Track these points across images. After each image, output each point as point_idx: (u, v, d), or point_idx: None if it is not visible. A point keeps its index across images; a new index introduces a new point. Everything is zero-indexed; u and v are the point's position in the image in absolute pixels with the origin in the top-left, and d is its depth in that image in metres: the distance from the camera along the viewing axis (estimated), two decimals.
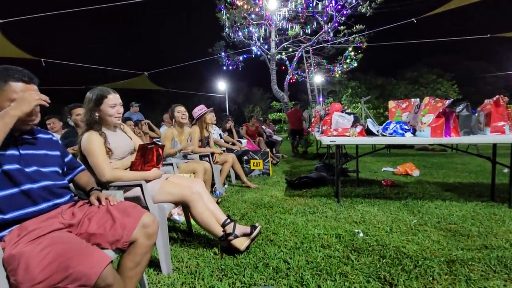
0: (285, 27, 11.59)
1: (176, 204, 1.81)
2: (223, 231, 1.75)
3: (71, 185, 1.37)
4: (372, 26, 10.68)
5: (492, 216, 2.19)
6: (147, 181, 1.69)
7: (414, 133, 2.64)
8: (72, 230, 1.11)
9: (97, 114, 1.63)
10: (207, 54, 13.43)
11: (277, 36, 12.09)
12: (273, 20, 11.20)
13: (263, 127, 7.72)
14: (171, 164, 2.26)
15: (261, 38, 12.10)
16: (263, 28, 11.79)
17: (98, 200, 1.24)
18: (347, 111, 3.58)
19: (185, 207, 1.85)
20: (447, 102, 2.45)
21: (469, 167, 4.33)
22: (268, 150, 4.85)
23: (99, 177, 1.54)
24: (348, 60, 12.73)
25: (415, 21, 8.03)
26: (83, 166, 1.44)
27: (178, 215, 2.44)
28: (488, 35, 8.11)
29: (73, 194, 1.28)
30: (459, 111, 2.52)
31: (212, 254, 1.76)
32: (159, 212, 1.58)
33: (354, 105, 19.08)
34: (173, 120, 2.98)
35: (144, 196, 1.59)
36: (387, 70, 25.23)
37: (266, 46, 12.38)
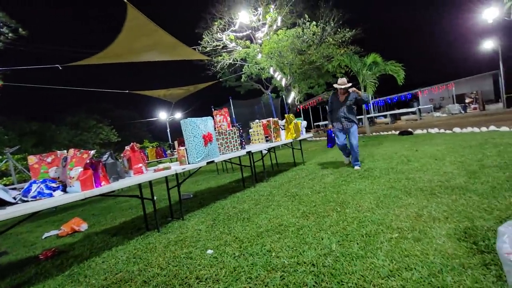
0: None
1: None
2: None
3: None
4: (8, 62, 8.72)
5: (148, 246, 2.55)
6: None
7: (65, 189, 2.38)
8: None
9: None
10: None
11: None
12: None
13: None
14: None
15: None
16: None
17: None
18: None
19: None
20: (91, 152, 2.50)
21: (132, 203, 4.84)
22: None
23: None
24: None
25: (60, 68, 7.83)
26: None
27: None
28: (127, 91, 10.09)
29: None
30: (104, 160, 2.68)
31: None
32: None
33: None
34: None
35: None
36: (43, 114, 22.12)
37: None
